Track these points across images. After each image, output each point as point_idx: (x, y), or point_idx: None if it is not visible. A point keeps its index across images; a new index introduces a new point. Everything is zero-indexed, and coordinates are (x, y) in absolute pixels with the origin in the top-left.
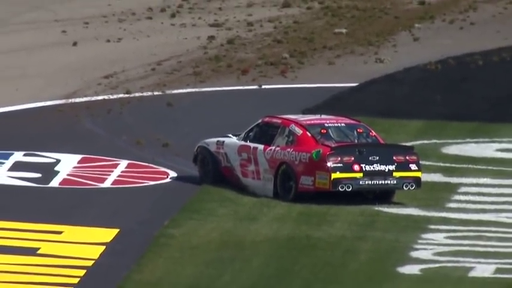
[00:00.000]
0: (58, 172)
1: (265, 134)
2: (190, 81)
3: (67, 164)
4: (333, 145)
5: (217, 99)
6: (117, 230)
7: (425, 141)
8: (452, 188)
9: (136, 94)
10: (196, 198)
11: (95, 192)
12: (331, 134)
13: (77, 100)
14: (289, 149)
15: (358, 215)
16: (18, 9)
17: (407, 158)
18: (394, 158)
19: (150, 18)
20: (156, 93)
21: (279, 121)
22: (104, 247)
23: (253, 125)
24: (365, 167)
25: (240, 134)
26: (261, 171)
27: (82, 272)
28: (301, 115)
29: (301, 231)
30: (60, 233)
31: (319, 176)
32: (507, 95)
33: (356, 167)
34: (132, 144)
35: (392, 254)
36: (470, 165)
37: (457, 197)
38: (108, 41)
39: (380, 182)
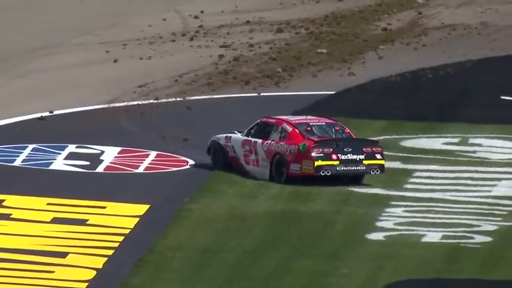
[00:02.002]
0: (102, 160)
1: (263, 130)
2: (204, 89)
3: (109, 154)
4: (316, 139)
5: (226, 104)
6: (148, 206)
7: (388, 137)
8: (409, 173)
9: (163, 100)
10: (210, 181)
11: (131, 176)
12: (314, 131)
13: (117, 105)
14: (281, 143)
15: (335, 194)
16: (71, 34)
17: (373, 149)
18: (363, 149)
19: (174, 41)
20: (178, 99)
21: (274, 121)
22: (138, 219)
23: (253, 124)
24: (341, 157)
25: (243, 131)
26: (259, 160)
27: (121, 238)
28: (291, 116)
29: (291, 206)
30: (104, 207)
31: (305, 163)
32: (450, 101)
33: (334, 157)
34: (159, 139)
35: (362, 224)
36: (422, 155)
37: (412, 180)
38: (141, 58)
39: (352, 168)
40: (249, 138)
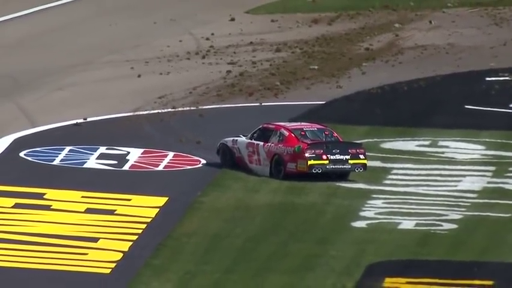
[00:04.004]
0: (128, 160)
1: (264, 135)
2: (215, 100)
3: (134, 154)
4: (309, 142)
5: (232, 112)
6: (167, 198)
7: (370, 140)
8: (387, 171)
9: (179, 109)
10: (219, 177)
11: (152, 173)
12: (307, 135)
13: (140, 113)
14: (279, 145)
15: (325, 188)
16: (101, 53)
17: (357, 150)
18: (349, 150)
19: (188, 59)
20: (192, 108)
21: (273, 126)
22: (158, 209)
23: (256, 129)
24: (330, 157)
25: (247, 135)
26: (261, 159)
27: (144, 226)
28: (287, 122)
29: (287, 199)
30: (129, 200)
31: (300, 162)
32: (423, 109)
33: (324, 157)
34: (176, 142)
35: (348, 213)
36: (398, 156)
37: (390, 177)
38: (161, 74)
39: (340, 167)
40: (252, 141)
